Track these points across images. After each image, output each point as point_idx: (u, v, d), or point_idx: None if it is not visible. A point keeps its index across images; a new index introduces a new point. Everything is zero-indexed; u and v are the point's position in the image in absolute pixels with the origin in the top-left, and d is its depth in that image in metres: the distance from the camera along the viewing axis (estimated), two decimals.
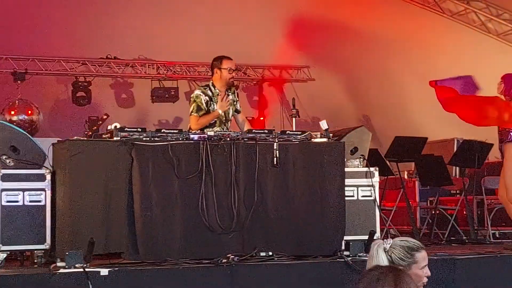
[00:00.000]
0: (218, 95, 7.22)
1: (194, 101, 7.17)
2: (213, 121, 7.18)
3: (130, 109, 13.01)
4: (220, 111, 7.14)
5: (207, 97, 7.17)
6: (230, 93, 7.35)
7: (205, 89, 7.24)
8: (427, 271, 3.64)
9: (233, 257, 5.85)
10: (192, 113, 7.14)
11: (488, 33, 14.07)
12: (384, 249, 3.58)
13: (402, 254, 3.60)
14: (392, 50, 13.59)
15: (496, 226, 9.61)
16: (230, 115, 7.31)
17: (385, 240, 3.63)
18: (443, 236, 9.21)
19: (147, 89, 12.90)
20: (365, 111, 14.01)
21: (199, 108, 7.13)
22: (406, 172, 12.16)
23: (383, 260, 3.53)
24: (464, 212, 9.75)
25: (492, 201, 9.96)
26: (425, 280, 3.55)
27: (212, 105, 7.19)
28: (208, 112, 7.15)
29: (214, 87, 7.26)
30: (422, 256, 3.63)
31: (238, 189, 6.25)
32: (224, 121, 7.22)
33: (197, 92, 7.26)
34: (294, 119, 8.06)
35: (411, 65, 13.61)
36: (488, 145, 9.66)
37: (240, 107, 7.51)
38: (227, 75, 7.26)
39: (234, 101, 7.38)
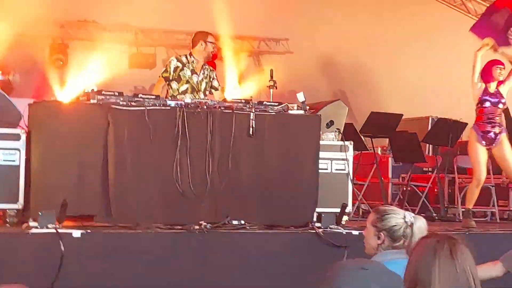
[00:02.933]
0: (193, 62, 7.37)
1: (166, 65, 7.49)
2: (185, 88, 7.30)
3: (106, 73, 12.89)
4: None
5: (179, 63, 7.34)
6: (207, 69, 7.48)
7: (180, 56, 7.43)
8: None
9: (206, 224, 5.87)
10: (162, 75, 7.48)
11: (468, 13, 14.12)
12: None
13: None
14: (372, 23, 13.59)
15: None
16: (203, 87, 7.39)
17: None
18: (414, 212, 9.29)
19: (124, 54, 12.81)
20: (342, 86, 14.04)
21: (165, 71, 7.44)
22: (380, 148, 12.24)
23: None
24: (436, 190, 9.87)
25: (463, 179, 10.07)
26: None
27: (184, 70, 7.33)
28: (178, 77, 7.32)
29: (192, 56, 7.39)
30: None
31: (213, 157, 6.26)
32: (196, 90, 7.30)
33: (172, 57, 7.57)
34: (271, 90, 8.07)
35: (389, 40, 13.64)
36: (462, 124, 9.75)
37: (218, 85, 7.59)
38: (211, 49, 7.47)
39: (211, 77, 7.49)
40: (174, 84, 7.30)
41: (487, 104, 7.69)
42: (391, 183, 10.92)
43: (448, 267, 2.21)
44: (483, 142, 7.64)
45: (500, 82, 7.76)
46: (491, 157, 8.00)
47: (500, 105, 7.73)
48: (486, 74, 7.75)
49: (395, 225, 3.48)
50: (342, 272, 1.96)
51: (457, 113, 10.25)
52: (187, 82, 7.30)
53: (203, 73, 7.41)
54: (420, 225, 3.51)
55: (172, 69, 7.32)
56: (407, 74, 13.48)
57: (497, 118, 7.73)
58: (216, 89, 7.54)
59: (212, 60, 8.48)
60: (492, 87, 7.73)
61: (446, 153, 10.32)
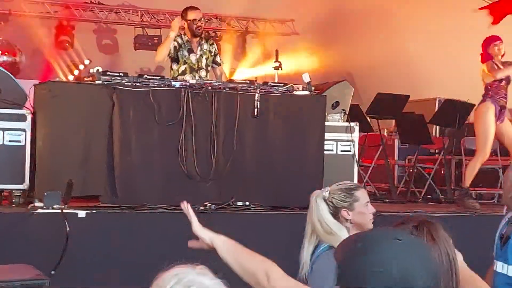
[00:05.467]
0: (187, 41, 7.16)
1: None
2: (183, 69, 7.11)
3: (112, 55, 12.92)
4: (172, 34, 7.04)
5: (176, 43, 7.10)
6: (205, 43, 7.28)
7: (176, 37, 7.15)
8: (371, 208, 3.69)
9: (210, 205, 5.89)
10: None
11: None
12: (324, 197, 3.61)
13: (342, 196, 3.64)
14: (378, 3, 13.51)
15: (474, 186, 9.70)
16: (204, 63, 7.20)
17: (322, 189, 3.65)
18: (420, 194, 9.29)
19: (130, 36, 12.79)
20: (348, 68, 13.97)
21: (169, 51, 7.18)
22: (386, 130, 12.20)
23: (323, 209, 3.54)
24: (442, 172, 9.83)
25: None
26: (371, 216, 3.60)
27: (181, 51, 7.12)
28: (176, 57, 7.12)
29: (185, 35, 7.20)
30: (361, 194, 3.69)
31: (218, 138, 6.27)
32: (196, 69, 7.14)
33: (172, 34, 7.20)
34: (276, 71, 8.06)
35: (397, 23, 13.57)
36: (470, 105, 9.68)
37: (220, 60, 7.45)
38: (192, 25, 7.15)
39: (211, 52, 7.32)
40: (174, 65, 7.17)
41: (502, 81, 7.68)
42: (398, 165, 10.89)
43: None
44: (497, 116, 7.64)
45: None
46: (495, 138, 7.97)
47: (509, 81, 7.73)
48: (486, 54, 7.70)
49: None
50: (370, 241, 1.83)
51: (464, 94, 10.18)
52: (185, 63, 7.13)
53: (201, 49, 7.20)
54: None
55: (172, 49, 7.16)
56: (414, 55, 13.41)
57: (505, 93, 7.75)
58: (219, 65, 7.38)
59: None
60: (498, 62, 7.68)
61: (453, 135, 10.28)
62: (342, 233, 3.53)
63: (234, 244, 2.46)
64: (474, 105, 9.63)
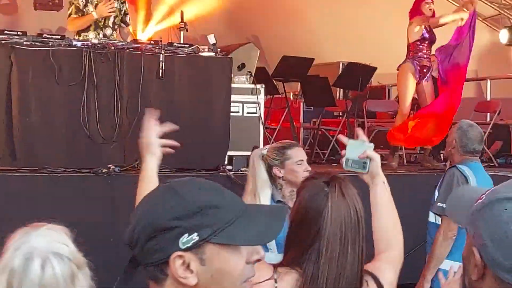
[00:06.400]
0: None
1: (72, 3, 6.88)
2: (87, 25, 6.84)
3: (11, 16, 12.47)
4: (95, 15, 6.83)
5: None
6: (116, 1, 7.03)
7: None
8: (306, 167, 3.76)
9: (114, 167, 5.78)
10: (71, 15, 6.88)
11: None
12: (261, 155, 3.68)
13: (275, 154, 3.72)
14: None
15: (375, 148, 9.88)
16: (111, 22, 6.98)
17: (261, 148, 3.74)
18: (324, 156, 9.41)
19: None
20: (254, 31, 13.97)
21: (78, 10, 6.84)
22: (292, 93, 12.30)
23: (259, 167, 3.62)
24: (345, 134, 9.96)
25: (373, 124, 10.23)
26: (306, 174, 3.65)
27: (88, 6, 6.82)
28: (83, 15, 6.85)
29: None
30: (294, 152, 3.76)
31: (122, 100, 6.13)
32: (101, 27, 6.91)
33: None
34: (182, 33, 7.95)
35: None
36: (372, 69, 9.85)
37: (129, 20, 7.24)
38: None
39: (121, 10, 7.10)
40: None
41: (425, 40, 7.77)
42: (303, 128, 11.01)
43: (339, 206, 2.23)
44: (417, 76, 7.74)
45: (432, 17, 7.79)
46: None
47: (433, 41, 7.84)
48: (416, 11, 7.77)
49: None
50: None
51: (367, 58, 10.33)
52: None
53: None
54: None
55: (82, 6, 6.83)
56: (318, 19, 13.49)
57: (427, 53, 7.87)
58: (128, 25, 7.16)
59: None
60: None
61: (356, 98, 10.43)
62: (265, 191, 3.63)
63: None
64: (376, 68, 9.81)
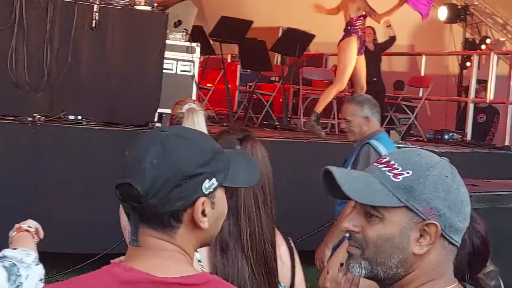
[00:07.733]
0: None
1: None
2: None
3: None
4: None
5: None
6: None
7: None
8: None
9: (40, 116, 5.66)
10: None
11: None
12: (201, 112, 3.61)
13: None
14: None
15: (309, 115, 9.92)
16: None
17: (191, 104, 3.66)
18: (257, 120, 9.41)
19: None
20: None
21: None
22: (230, 55, 12.23)
23: (203, 125, 3.52)
24: (280, 100, 9.98)
25: (308, 91, 10.25)
26: None
27: None
28: None
29: None
30: None
31: (52, 48, 5.98)
32: None
33: None
34: None
35: None
36: (310, 36, 9.84)
37: None
38: None
39: None
40: None
41: (366, 16, 7.85)
42: (238, 91, 10.97)
43: None
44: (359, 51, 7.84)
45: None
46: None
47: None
48: None
49: None
50: None
51: (306, 25, 10.31)
52: None
53: None
54: None
55: None
56: None
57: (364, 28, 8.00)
58: None
59: None
60: None
61: (293, 64, 10.44)
62: None
63: None
64: (314, 35, 9.81)
